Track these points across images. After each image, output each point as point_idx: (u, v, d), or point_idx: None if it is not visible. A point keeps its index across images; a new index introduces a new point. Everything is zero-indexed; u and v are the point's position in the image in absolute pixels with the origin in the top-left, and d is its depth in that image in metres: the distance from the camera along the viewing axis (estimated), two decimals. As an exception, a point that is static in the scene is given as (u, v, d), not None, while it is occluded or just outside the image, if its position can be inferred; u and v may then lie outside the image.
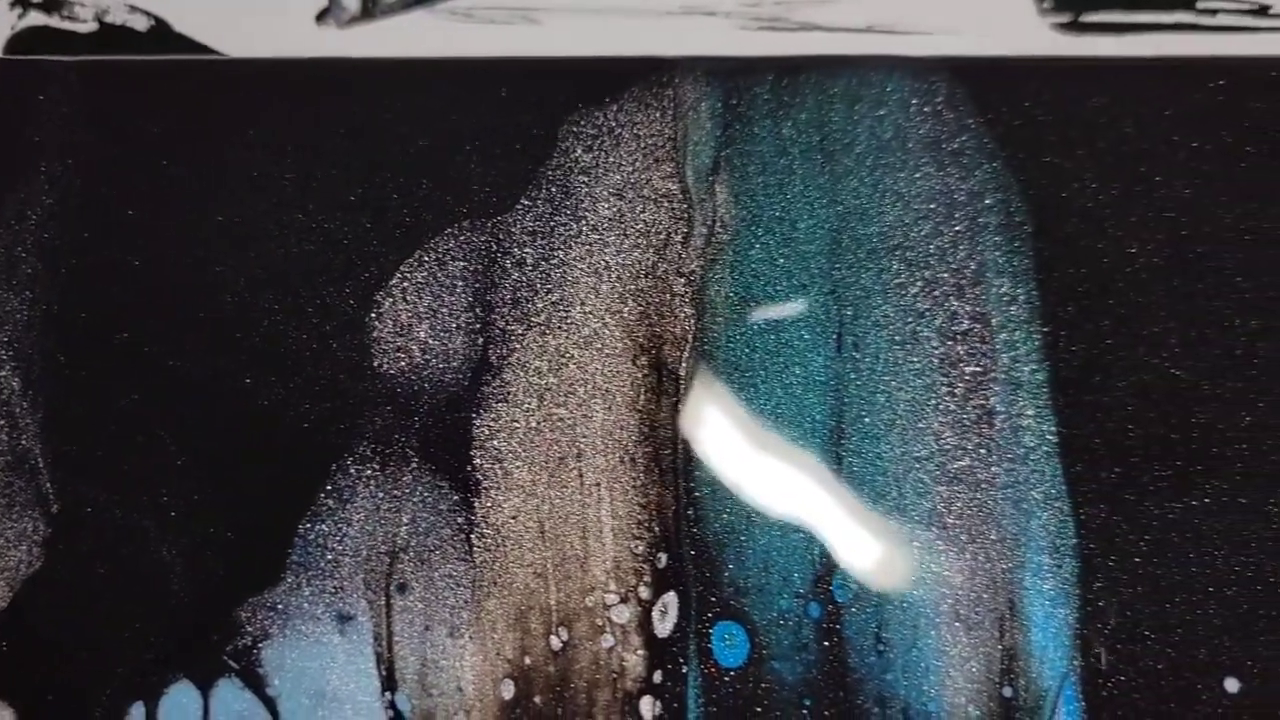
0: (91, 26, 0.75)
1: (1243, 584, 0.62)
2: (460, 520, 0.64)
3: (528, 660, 0.62)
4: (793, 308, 0.65)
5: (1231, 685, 0.62)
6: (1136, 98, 0.68)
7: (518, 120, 0.68)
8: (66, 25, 0.75)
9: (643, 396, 0.65)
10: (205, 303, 0.67)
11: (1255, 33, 0.74)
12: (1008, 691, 0.61)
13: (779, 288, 0.66)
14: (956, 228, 0.66)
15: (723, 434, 0.64)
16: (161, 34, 0.74)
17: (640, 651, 0.62)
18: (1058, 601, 0.62)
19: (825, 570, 0.63)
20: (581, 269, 0.66)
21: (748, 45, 0.74)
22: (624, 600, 0.63)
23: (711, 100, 0.68)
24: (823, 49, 0.72)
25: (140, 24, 0.75)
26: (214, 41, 0.74)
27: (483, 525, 0.64)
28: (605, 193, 0.67)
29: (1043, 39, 0.75)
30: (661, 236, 0.67)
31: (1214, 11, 0.74)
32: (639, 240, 0.66)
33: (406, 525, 0.63)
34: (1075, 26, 0.76)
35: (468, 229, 0.67)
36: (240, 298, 0.67)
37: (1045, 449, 0.64)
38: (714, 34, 0.75)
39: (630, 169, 0.67)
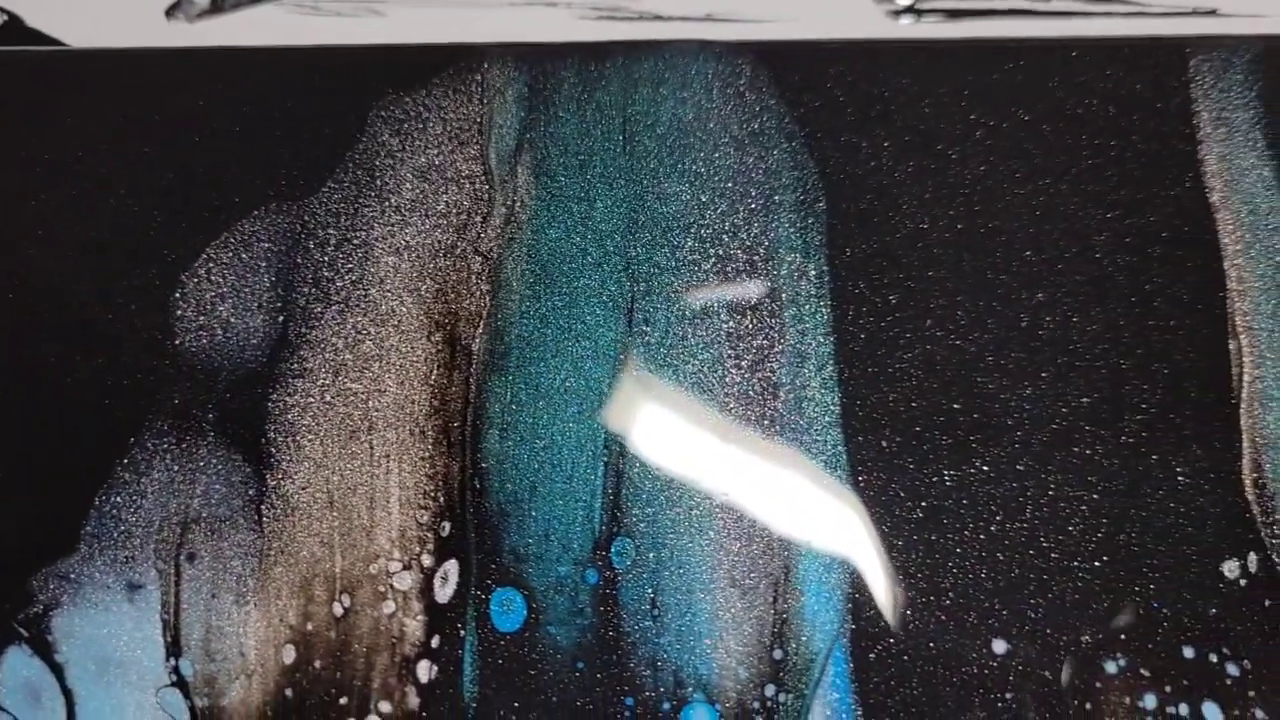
0: (-54, 25, 0.77)
1: (1015, 548, 0.63)
2: (251, 492, 0.65)
3: (310, 626, 0.64)
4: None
5: (999, 646, 0.63)
6: (936, 78, 0.69)
7: (330, 107, 0.70)
8: (-77, 23, 0.77)
9: (435, 371, 0.66)
10: (14, 284, 0.69)
11: (1089, 17, 0.76)
12: (778, 654, 0.63)
13: (574, 265, 0.67)
14: (751, 205, 0.68)
15: (516, 407, 0.66)
16: (13, 29, 0.76)
17: (420, 617, 0.64)
18: (831, 567, 0.64)
19: (605, 538, 0.64)
20: (382, 248, 0.68)
21: (590, 35, 0.75)
22: (407, 568, 0.64)
23: (518, 85, 0.70)
24: (662, 38, 0.73)
25: (-7, 20, 0.77)
26: (63, 35, 0.76)
27: (273, 496, 0.65)
28: (409, 174, 0.69)
29: (881, 26, 0.77)
30: (462, 217, 0.68)
31: (1050, -5, 0.75)
32: (440, 220, 0.68)
33: (199, 497, 0.65)
34: (911, 12, 0.77)
35: (274, 211, 0.69)
36: (50, 279, 0.69)
37: (828, 419, 0.65)
38: (556, 24, 0.77)
39: (435, 152, 0.69)
